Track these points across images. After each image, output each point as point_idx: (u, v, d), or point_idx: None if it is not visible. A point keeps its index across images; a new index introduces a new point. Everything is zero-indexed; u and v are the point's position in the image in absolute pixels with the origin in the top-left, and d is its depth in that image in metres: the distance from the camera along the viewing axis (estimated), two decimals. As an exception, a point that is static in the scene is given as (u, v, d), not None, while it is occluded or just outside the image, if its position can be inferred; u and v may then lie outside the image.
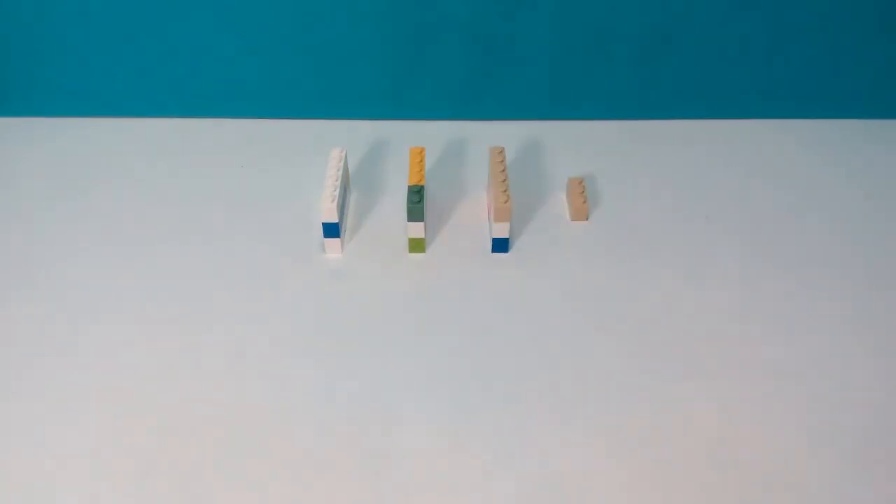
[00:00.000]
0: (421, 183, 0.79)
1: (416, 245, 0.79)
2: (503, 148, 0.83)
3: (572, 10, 0.88)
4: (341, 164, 0.81)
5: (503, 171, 0.79)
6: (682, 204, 0.85)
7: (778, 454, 0.62)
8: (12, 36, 0.91)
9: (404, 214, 0.79)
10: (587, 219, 0.82)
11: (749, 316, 0.72)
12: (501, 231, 0.78)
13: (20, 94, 0.95)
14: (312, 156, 0.89)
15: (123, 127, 0.95)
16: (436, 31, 0.89)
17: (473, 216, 0.83)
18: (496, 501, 0.59)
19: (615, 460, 0.61)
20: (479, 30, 0.89)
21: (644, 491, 0.59)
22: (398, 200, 0.84)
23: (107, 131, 0.95)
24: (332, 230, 0.78)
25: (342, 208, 0.80)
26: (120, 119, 0.96)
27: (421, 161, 0.82)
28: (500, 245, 0.79)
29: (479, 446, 0.62)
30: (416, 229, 0.78)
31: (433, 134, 0.93)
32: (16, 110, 0.97)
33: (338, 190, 0.78)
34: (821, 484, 0.60)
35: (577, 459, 0.61)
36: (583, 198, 0.82)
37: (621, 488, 0.60)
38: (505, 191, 0.77)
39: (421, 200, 0.76)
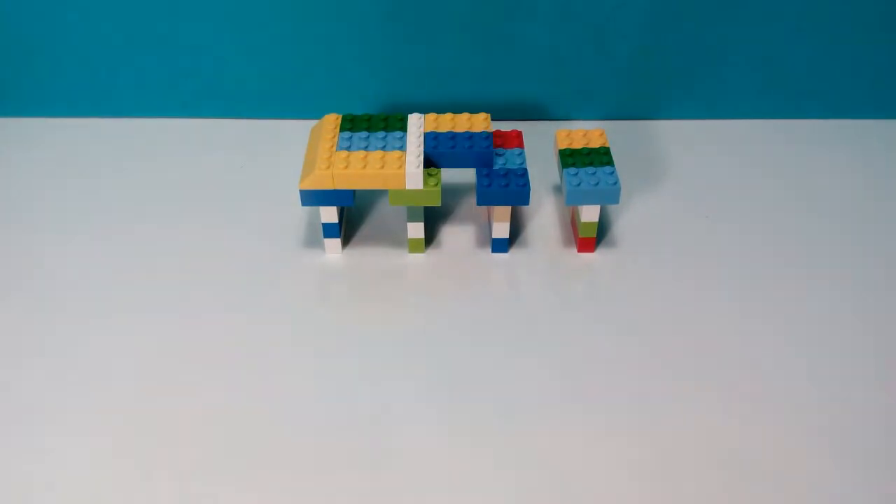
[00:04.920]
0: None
1: (416, 245, 0.79)
2: (503, 148, 0.83)
3: (572, 10, 0.88)
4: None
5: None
6: (682, 203, 0.85)
7: (780, 456, 0.62)
8: (12, 36, 0.91)
9: (404, 214, 0.79)
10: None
11: (748, 315, 0.72)
12: (501, 231, 0.78)
13: (20, 94, 0.95)
14: (312, 156, 0.89)
15: (123, 127, 0.95)
16: (436, 31, 0.89)
17: (473, 216, 0.83)
18: (496, 501, 0.59)
19: (616, 460, 0.61)
20: (479, 30, 0.89)
21: (645, 491, 0.59)
22: (398, 200, 0.84)
23: (107, 131, 0.95)
24: (332, 230, 0.78)
25: (342, 208, 0.80)
26: (120, 119, 0.96)
27: (421, 161, 0.82)
28: (500, 245, 0.79)
29: (480, 446, 0.62)
30: (416, 229, 0.78)
31: (433, 134, 0.93)
32: (16, 110, 0.97)
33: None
34: (822, 485, 0.60)
35: (577, 460, 0.61)
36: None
37: (622, 489, 0.60)
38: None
39: (421, 200, 0.76)
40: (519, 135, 0.80)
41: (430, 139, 0.76)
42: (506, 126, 0.83)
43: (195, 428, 0.63)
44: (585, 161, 0.77)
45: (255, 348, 0.70)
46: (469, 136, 0.76)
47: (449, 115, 0.79)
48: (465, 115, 0.79)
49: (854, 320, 0.72)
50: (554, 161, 0.84)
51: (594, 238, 0.78)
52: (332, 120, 0.79)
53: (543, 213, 0.84)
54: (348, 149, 0.75)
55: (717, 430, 0.63)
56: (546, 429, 0.63)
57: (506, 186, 0.74)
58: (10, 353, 0.69)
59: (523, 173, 0.75)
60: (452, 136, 0.77)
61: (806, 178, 0.88)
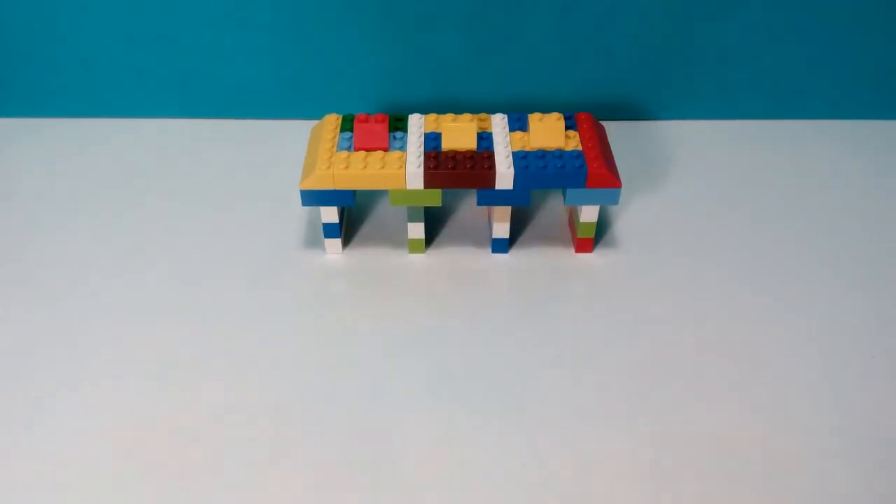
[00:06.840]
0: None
1: (416, 245, 0.79)
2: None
3: (573, 10, 0.88)
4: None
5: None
6: (681, 203, 0.85)
7: (781, 456, 0.62)
8: (12, 35, 0.91)
9: (404, 214, 0.79)
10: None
11: (748, 315, 0.72)
12: (501, 231, 0.78)
13: (20, 94, 0.95)
14: (312, 156, 0.89)
15: (123, 127, 0.95)
16: (436, 31, 0.89)
17: (473, 216, 0.83)
18: (496, 501, 0.59)
19: (616, 460, 0.61)
20: (479, 30, 0.89)
21: (645, 491, 0.59)
22: (398, 200, 0.84)
23: (107, 131, 0.95)
24: (332, 230, 0.78)
25: (343, 208, 0.80)
26: (120, 119, 0.96)
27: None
28: (500, 245, 0.79)
29: (480, 446, 0.62)
30: (416, 229, 0.78)
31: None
32: (16, 110, 0.97)
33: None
34: (823, 485, 0.60)
35: (577, 460, 0.61)
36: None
37: (622, 489, 0.60)
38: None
39: (421, 200, 0.76)
40: (519, 135, 0.80)
41: (431, 139, 0.76)
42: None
43: (194, 427, 0.63)
44: None
45: (255, 348, 0.70)
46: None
47: (450, 116, 0.79)
48: (466, 116, 0.79)
49: (854, 319, 0.72)
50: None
51: (592, 238, 0.78)
52: (333, 120, 0.79)
53: (543, 213, 0.84)
54: (349, 149, 0.75)
55: (718, 430, 0.63)
56: (546, 428, 0.63)
57: (506, 186, 0.74)
58: (11, 353, 0.69)
59: None
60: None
61: (806, 178, 0.88)
